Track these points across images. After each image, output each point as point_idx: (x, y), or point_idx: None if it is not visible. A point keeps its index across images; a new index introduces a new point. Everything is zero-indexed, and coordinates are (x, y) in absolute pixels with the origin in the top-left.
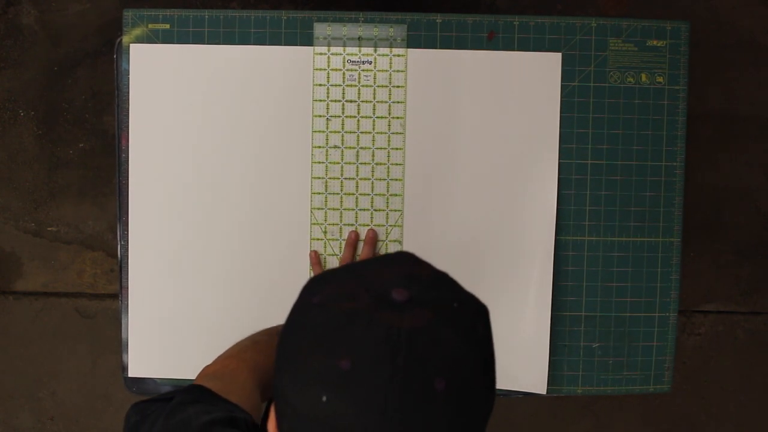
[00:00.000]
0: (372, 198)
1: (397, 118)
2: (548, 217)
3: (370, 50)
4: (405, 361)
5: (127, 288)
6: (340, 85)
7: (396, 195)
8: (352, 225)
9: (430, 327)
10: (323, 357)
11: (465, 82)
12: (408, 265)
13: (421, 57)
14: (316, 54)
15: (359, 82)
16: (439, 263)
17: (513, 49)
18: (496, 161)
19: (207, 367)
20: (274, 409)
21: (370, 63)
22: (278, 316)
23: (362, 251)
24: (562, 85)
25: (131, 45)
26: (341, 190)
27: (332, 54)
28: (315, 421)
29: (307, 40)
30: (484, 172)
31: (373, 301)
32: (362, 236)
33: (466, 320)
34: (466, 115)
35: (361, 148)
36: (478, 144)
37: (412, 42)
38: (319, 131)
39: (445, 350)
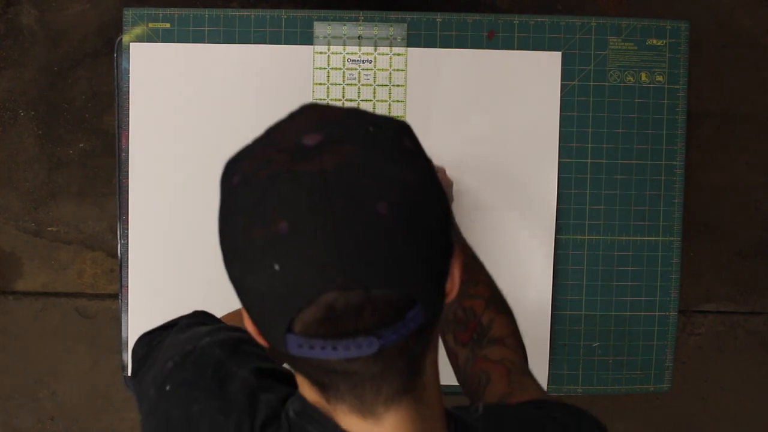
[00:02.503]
0: None
1: (397, 117)
2: (548, 216)
3: (370, 49)
4: (340, 199)
5: (127, 287)
6: (340, 84)
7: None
8: None
9: (353, 158)
10: (261, 229)
11: (465, 81)
12: (312, 112)
13: (421, 56)
14: (316, 53)
15: (359, 81)
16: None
17: (513, 49)
18: (496, 160)
19: None
20: (243, 308)
21: (370, 62)
22: None
23: None
24: (561, 84)
25: (131, 44)
26: None
27: (332, 53)
28: (277, 296)
29: (307, 39)
30: (484, 172)
31: (288, 157)
32: None
33: (389, 140)
34: (466, 115)
35: None
36: (478, 143)
37: (412, 41)
38: None
39: (377, 175)
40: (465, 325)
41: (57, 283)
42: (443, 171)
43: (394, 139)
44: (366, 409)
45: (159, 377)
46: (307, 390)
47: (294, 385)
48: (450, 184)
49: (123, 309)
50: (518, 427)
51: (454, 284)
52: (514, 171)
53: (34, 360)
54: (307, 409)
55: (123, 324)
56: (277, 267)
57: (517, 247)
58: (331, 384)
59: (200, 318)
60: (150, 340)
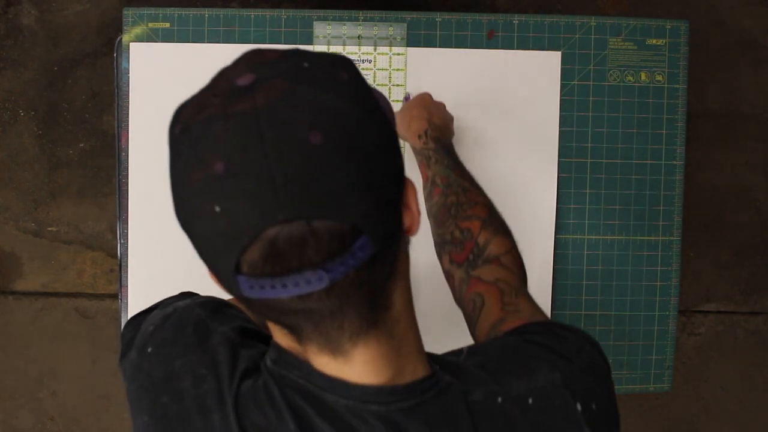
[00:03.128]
0: None
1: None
2: (548, 216)
3: (370, 49)
4: (272, 134)
5: (127, 287)
6: None
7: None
8: None
9: (286, 93)
10: (198, 171)
11: (465, 81)
12: (251, 56)
13: (421, 55)
14: None
15: None
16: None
17: (513, 48)
18: (496, 160)
19: None
20: (197, 252)
21: (370, 62)
22: None
23: None
24: (561, 83)
25: (131, 44)
26: None
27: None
28: (221, 237)
29: (307, 39)
30: (483, 171)
31: (222, 100)
32: None
33: (323, 72)
34: (466, 114)
35: None
36: (478, 142)
37: (412, 41)
38: None
39: (309, 106)
40: (461, 246)
41: (57, 283)
42: (443, 106)
43: (327, 70)
44: (333, 346)
45: (140, 341)
46: (279, 337)
47: None
48: (450, 118)
49: (123, 309)
50: (500, 358)
51: (413, 217)
52: (514, 170)
53: (34, 360)
54: (282, 355)
55: (123, 323)
56: (217, 208)
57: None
58: (295, 325)
59: (184, 294)
60: (137, 323)
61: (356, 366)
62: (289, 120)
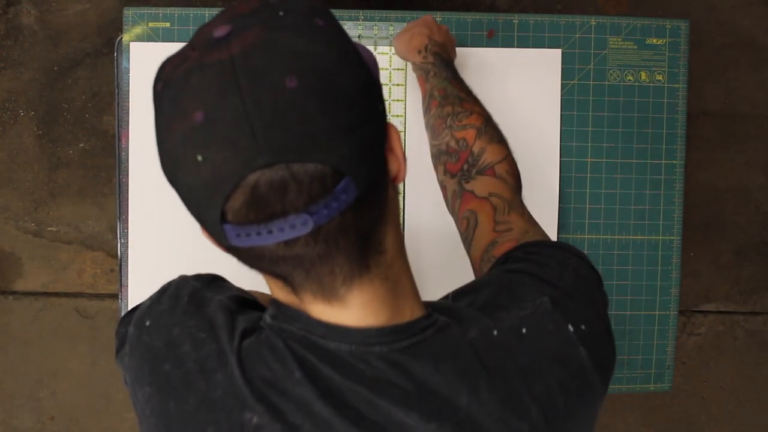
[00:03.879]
0: None
1: (397, 116)
2: (550, 215)
3: (371, 48)
4: (248, 80)
5: (128, 287)
6: None
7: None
8: None
9: (261, 40)
10: (179, 124)
11: (465, 79)
12: (229, 9)
13: None
14: None
15: None
16: (440, 263)
17: (513, 47)
18: None
19: None
20: (185, 206)
21: None
22: None
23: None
24: (562, 83)
25: (131, 43)
26: None
27: None
28: (205, 187)
29: None
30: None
31: (200, 52)
32: None
33: (299, 20)
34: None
35: None
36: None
37: None
38: None
39: (283, 52)
40: (457, 156)
41: (57, 283)
42: (446, 29)
43: (303, 18)
44: (327, 292)
45: (138, 316)
46: (276, 291)
47: None
48: (453, 41)
49: (123, 308)
50: (487, 294)
51: (399, 162)
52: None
53: (34, 360)
54: (281, 309)
55: None
56: (199, 158)
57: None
58: (287, 274)
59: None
60: (131, 318)
61: (354, 310)
62: (264, 66)
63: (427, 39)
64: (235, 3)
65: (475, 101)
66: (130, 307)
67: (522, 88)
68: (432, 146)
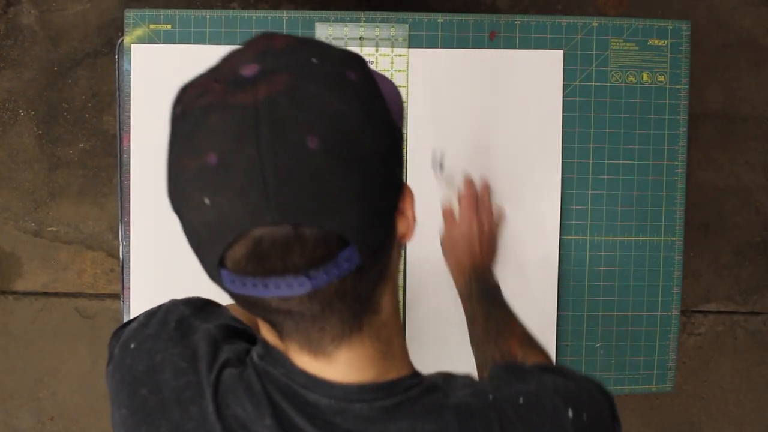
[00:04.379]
0: None
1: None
2: (553, 217)
3: (372, 50)
4: (269, 132)
5: (129, 288)
6: None
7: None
8: None
9: (289, 89)
10: (191, 160)
11: (467, 81)
12: (262, 41)
13: (423, 56)
14: None
15: None
16: (441, 264)
17: (515, 48)
18: (498, 160)
19: None
20: (185, 236)
21: (372, 63)
22: None
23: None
24: (564, 84)
25: (133, 45)
26: None
27: None
28: (208, 229)
29: None
30: (486, 171)
31: (224, 87)
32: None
33: (331, 70)
34: (468, 114)
35: None
36: (480, 143)
37: (414, 42)
38: None
39: (310, 107)
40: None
41: (57, 283)
42: (493, 238)
43: (335, 69)
44: (314, 347)
45: (124, 338)
46: (266, 332)
47: None
48: (497, 237)
49: (125, 310)
50: (493, 372)
51: (408, 225)
52: (518, 171)
53: (34, 360)
54: (268, 350)
55: None
56: (207, 200)
57: (522, 248)
58: (276, 322)
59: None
60: (122, 332)
61: (339, 366)
62: (287, 119)
63: (471, 263)
64: (267, 35)
65: (518, 323)
66: (132, 308)
67: (524, 90)
68: (476, 356)
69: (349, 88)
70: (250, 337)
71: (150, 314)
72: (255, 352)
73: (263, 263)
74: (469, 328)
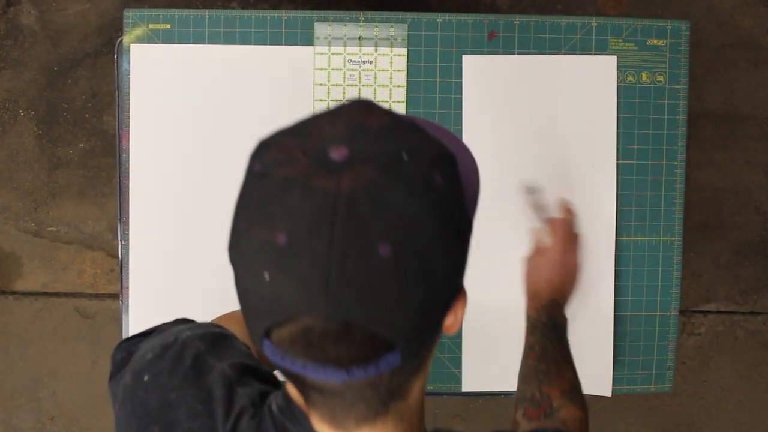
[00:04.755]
0: None
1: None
2: (608, 220)
3: (371, 50)
4: (343, 230)
5: (128, 288)
6: (340, 85)
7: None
8: None
9: (372, 186)
10: (261, 231)
11: (521, 86)
12: (357, 114)
13: (477, 62)
14: (317, 54)
15: (360, 81)
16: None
17: (513, 49)
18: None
19: None
20: (235, 287)
21: (371, 63)
22: None
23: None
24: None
25: (132, 45)
26: None
27: (333, 54)
28: (262, 301)
29: (308, 40)
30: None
31: (310, 164)
32: None
33: (419, 172)
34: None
35: None
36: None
37: (413, 42)
38: None
39: (389, 211)
40: (538, 406)
41: (57, 283)
42: (576, 269)
43: (423, 171)
44: (338, 423)
45: (137, 366)
46: (290, 387)
47: (273, 384)
48: (577, 279)
49: (124, 310)
50: None
51: (456, 321)
52: (573, 176)
53: (34, 360)
54: (290, 405)
55: (124, 325)
56: (266, 276)
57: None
58: (305, 392)
59: (179, 321)
60: (129, 345)
61: None
62: (364, 221)
63: (548, 297)
64: (364, 107)
65: (570, 366)
66: (131, 308)
67: (578, 95)
68: (518, 389)
69: (432, 194)
70: (261, 374)
71: (165, 346)
72: (275, 402)
73: (307, 350)
74: (523, 357)
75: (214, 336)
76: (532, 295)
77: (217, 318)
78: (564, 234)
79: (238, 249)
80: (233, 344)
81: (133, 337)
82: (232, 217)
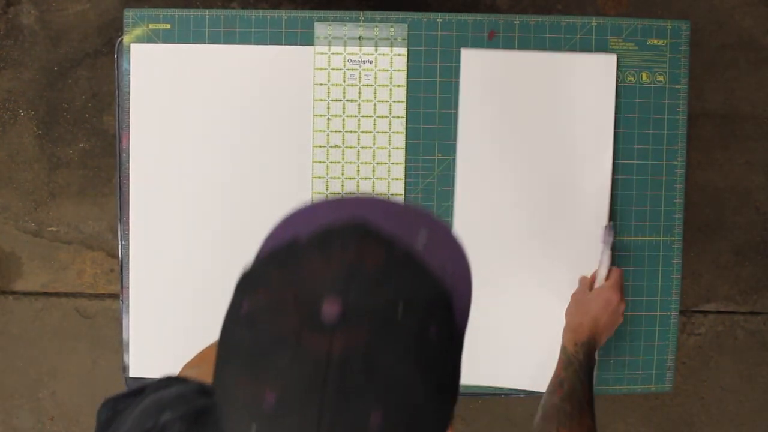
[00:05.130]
0: None
1: (398, 117)
2: (602, 215)
3: (371, 50)
4: (334, 397)
5: (128, 288)
6: (340, 85)
7: (397, 195)
8: None
9: (365, 350)
10: (249, 385)
11: (519, 83)
12: (352, 252)
13: (476, 56)
14: (317, 53)
15: (360, 81)
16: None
17: (513, 48)
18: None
19: (187, 363)
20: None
21: (371, 62)
22: None
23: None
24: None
25: (132, 45)
26: (342, 190)
27: (333, 53)
28: None
29: (308, 40)
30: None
31: (302, 319)
32: None
33: (413, 328)
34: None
35: (362, 147)
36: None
37: (413, 41)
38: (320, 131)
39: (382, 374)
40: None
41: (57, 283)
42: (616, 314)
43: (418, 326)
44: None
45: None
46: None
47: None
48: (617, 322)
49: (124, 310)
50: None
51: None
52: (567, 174)
53: (34, 360)
54: None
55: (124, 324)
56: (254, 428)
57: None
58: None
59: (167, 381)
60: (115, 404)
61: None
62: (356, 388)
63: (588, 335)
64: (361, 239)
65: (591, 415)
66: (131, 308)
67: (577, 93)
68: (537, 424)
69: (427, 350)
70: None
71: (149, 429)
72: None
73: None
74: (548, 392)
75: (197, 412)
76: (575, 327)
77: (194, 357)
78: (620, 284)
79: (224, 390)
80: (215, 418)
81: (119, 396)
82: (217, 355)
